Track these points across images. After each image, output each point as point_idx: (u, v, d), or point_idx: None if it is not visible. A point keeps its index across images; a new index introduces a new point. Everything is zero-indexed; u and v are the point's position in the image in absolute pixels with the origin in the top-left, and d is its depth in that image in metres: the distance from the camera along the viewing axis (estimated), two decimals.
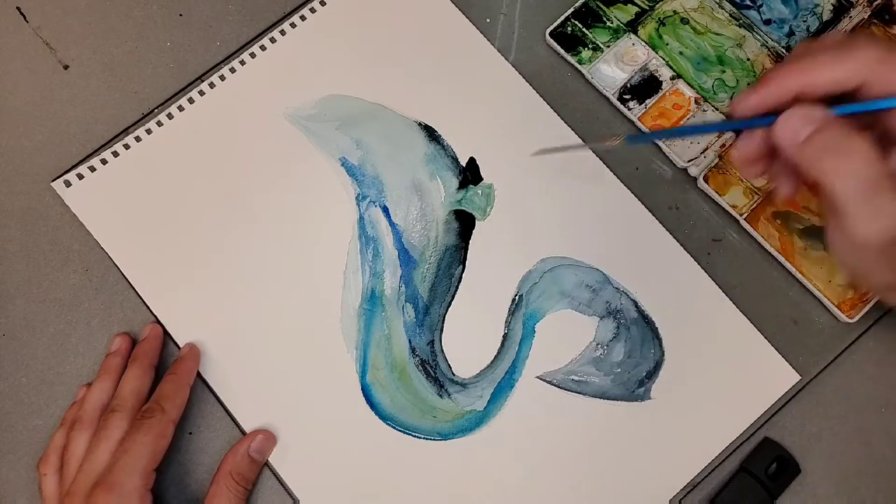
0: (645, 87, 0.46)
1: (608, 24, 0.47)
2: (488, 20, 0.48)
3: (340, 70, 0.47)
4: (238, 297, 0.43)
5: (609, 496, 0.41)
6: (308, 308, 0.43)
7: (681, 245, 0.44)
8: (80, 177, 0.45)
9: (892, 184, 0.21)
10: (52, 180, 0.45)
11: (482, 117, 0.46)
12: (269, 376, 0.42)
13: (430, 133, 0.46)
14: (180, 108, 0.46)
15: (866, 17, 0.46)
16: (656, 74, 0.46)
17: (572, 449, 0.41)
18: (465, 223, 0.45)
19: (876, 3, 0.47)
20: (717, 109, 0.45)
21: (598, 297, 0.43)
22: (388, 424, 0.42)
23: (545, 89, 0.46)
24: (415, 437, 0.42)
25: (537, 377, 0.42)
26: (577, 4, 0.47)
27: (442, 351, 0.43)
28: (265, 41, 0.47)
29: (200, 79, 0.47)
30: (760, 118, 0.27)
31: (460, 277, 0.44)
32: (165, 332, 0.43)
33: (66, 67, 0.47)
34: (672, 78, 0.46)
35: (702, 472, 0.41)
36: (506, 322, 0.43)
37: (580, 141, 0.45)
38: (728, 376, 0.42)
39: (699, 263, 0.44)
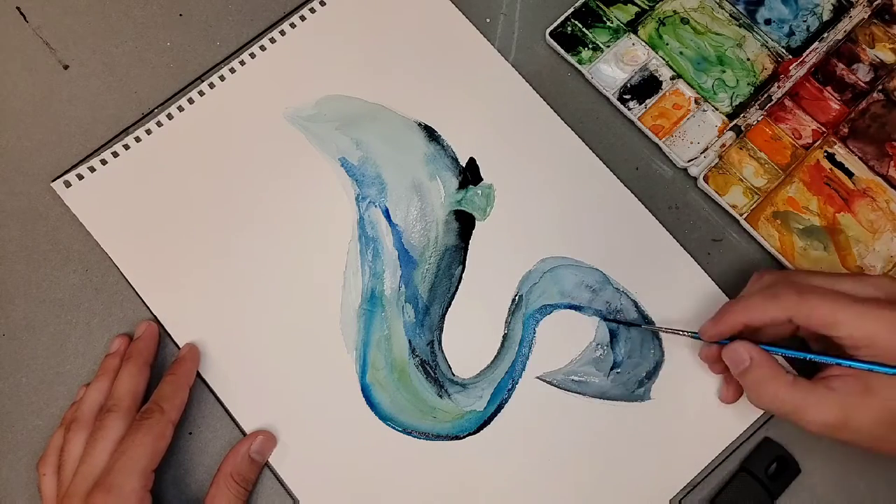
0: (645, 87, 0.46)
1: (608, 23, 0.47)
2: (488, 20, 0.48)
3: (340, 70, 0.47)
4: (238, 298, 0.43)
5: (609, 496, 0.41)
6: (308, 308, 0.43)
7: (681, 245, 0.44)
8: (80, 177, 0.45)
9: (786, 390, 0.35)
10: (52, 180, 0.45)
11: (482, 117, 0.46)
12: (269, 376, 0.42)
13: (430, 133, 0.46)
14: (180, 109, 0.46)
15: (866, 16, 0.46)
16: (656, 74, 0.46)
17: (572, 449, 0.41)
18: (465, 223, 0.45)
19: (876, 3, 0.47)
20: (716, 109, 0.45)
21: (598, 298, 0.43)
22: (387, 425, 0.42)
23: (545, 89, 0.46)
24: (415, 437, 0.42)
25: (537, 377, 0.42)
26: (577, 4, 0.47)
27: (442, 351, 0.43)
28: (265, 41, 0.47)
29: (200, 79, 0.47)
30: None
31: (460, 277, 0.44)
32: (165, 333, 0.43)
33: (66, 67, 0.47)
34: (672, 78, 0.46)
35: (702, 472, 0.41)
36: (506, 322, 0.43)
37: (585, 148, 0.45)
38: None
39: (699, 263, 0.44)
